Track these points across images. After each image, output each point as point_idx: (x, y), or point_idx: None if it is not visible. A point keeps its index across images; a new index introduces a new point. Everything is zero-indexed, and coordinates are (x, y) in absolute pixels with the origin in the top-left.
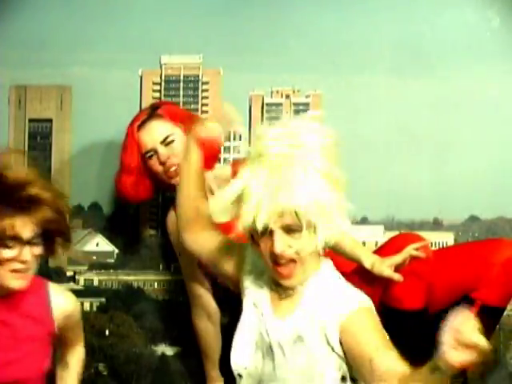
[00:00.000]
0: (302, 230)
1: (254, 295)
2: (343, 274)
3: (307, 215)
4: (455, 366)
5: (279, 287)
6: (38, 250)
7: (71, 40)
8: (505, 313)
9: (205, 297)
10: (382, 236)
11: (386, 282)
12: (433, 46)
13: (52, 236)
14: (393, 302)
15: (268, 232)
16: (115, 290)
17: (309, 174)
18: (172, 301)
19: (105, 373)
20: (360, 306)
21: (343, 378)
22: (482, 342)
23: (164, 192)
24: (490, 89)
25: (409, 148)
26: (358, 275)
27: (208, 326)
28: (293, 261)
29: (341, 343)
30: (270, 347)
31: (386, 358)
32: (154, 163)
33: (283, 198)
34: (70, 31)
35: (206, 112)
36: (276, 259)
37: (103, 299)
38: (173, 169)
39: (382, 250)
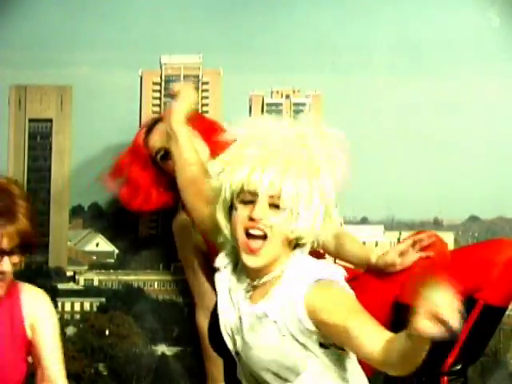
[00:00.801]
0: (284, 209)
1: (231, 282)
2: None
3: (294, 197)
4: (423, 334)
5: (251, 275)
6: (16, 258)
7: (71, 40)
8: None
9: (209, 297)
10: (381, 236)
11: (401, 280)
12: (433, 45)
13: (26, 246)
14: (406, 298)
15: (250, 202)
16: (115, 290)
17: (308, 165)
18: (172, 301)
19: (105, 373)
20: (321, 277)
21: (321, 345)
22: (456, 322)
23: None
24: (489, 89)
25: (409, 148)
26: (370, 277)
27: None
28: (263, 237)
29: (311, 320)
30: (242, 331)
31: (360, 325)
32: (167, 163)
33: (279, 170)
34: (70, 31)
35: (207, 112)
36: (250, 227)
37: (103, 299)
38: None
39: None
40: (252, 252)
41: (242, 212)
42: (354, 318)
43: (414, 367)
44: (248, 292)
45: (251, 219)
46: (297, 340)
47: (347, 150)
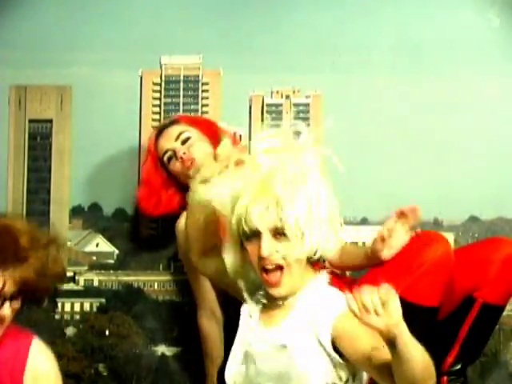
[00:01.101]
0: (289, 234)
1: (250, 307)
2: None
3: (296, 220)
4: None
5: (270, 299)
6: (17, 304)
7: (71, 40)
8: (505, 313)
9: (209, 298)
10: None
11: (407, 278)
12: (433, 46)
13: (29, 292)
14: (411, 296)
15: (255, 236)
16: (115, 290)
17: (303, 183)
18: (172, 301)
19: (105, 373)
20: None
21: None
22: (392, 319)
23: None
24: (489, 89)
25: (409, 148)
26: (376, 276)
27: (213, 328)
28: (280, 268)
29: (334, 346)
30: (253, 356)
31: (382, 355)
32: (174, 164)
33: (273, 200)
34: (70, 31)
35: (207, 112)
36: (263, 265)
37: (103, 300)
38: (189, 162)
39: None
40: (273, 285)
41: (252, 251)
42: (376, 351)
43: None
44: (265, 317)
45: (261, 258)
46: (311, 368)
47: (343, 148)
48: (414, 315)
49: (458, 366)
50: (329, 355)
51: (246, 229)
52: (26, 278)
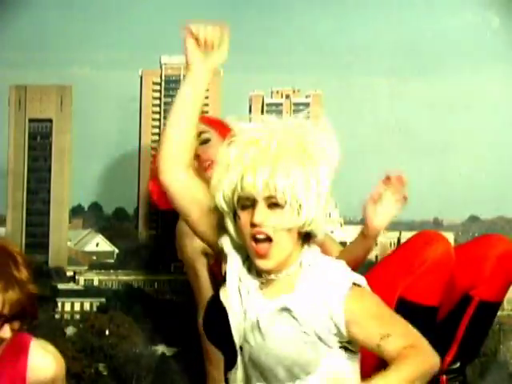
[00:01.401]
0: (284, 205)
1: (240, 270)
2: None
3: (291, 191)
4: None
5: (266, 273)
6: (16, 325)
7: (71, 40)
8: (505, 312)
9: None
10: (382, 236)
11: (408, 278)
12: (433, 46)
13: (26, 313)
14: (411, 295)
15: (249, 206)
16: (115, 290)
17: (300, 154)
18: (172, 301)
19: (105, 373)
20: (356, 281)
21: (341, 346)
22: None
23: None
24: (489, 89)
25: (409, 148)
26: (376, 276)
27: None
28: (269, 240)
29: (346, 324)
30: (258, 322)
31: (391, 346)
32: (206, 150)
33: (270, 168)
34: (70, 31)
35: (207, 112)
36: (254, 233)
37: (103, 299)
38: (208, 163)
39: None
40: (261, 256)
41: (244, 219)
42: (384, 341)
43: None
44: (261, 286)
45: (253, 225)
46: (319, 338)
47: (343, 148)
48: (413, 314)
49: (457, 365)
50: (338, 334)
51: (241, 194)
52: (22, 301)
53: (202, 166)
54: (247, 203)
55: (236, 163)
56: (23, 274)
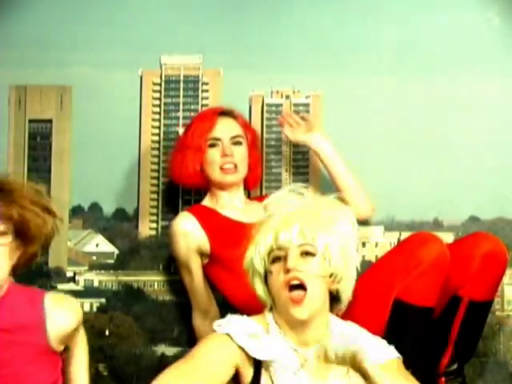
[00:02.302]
0: (316, 253)
1: (289, 364)
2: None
3: (325, 240)
4: None
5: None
6: (6, 239)
7: (71, 40)
8: (505, 313)
9: (204, 298)
10: (382, 236)
11: (403, 279)
12: (433, 46)
13: (24, 235)
14: (407, 297)
15: (283, 257)
16: (115, 290)
17: (336, 221)
18: (172, 301)
19: (105, 373)
20: (395, 355)
21: None
22: None
23: (164, 191)
24: (489, 89)
25: (409, 148)
26: (372, 277)
27: (207, 328)
28: (303, 287)
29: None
30: None
31: None
32: (215, 152)
33: (303, 222)
34: (70, 31)
35: None
36: (288, 279)
37: (103, 300)
38: (228, 166)
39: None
40: (296, 303)
41: (276, 270)
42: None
43: None
44: (303, 366)
45: (287, 271)
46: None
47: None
48: (410, 315)
49: (455, 366)
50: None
51: (274, 247)
52: (11, 216)
53: (222, 168)
54: (280, 254)
55: (270, 227)
56: (14, 194)
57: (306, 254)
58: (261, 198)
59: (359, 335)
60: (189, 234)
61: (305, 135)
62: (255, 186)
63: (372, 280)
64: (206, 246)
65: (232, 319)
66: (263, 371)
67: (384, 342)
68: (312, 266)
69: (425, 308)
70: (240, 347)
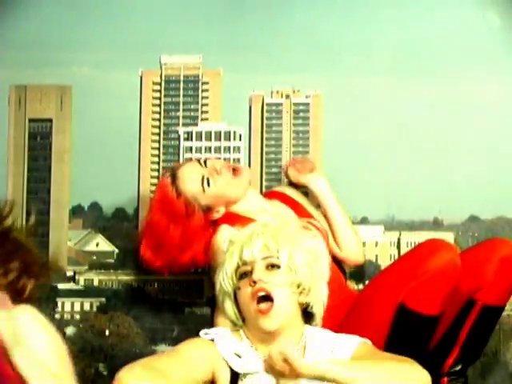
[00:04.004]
0: (281, 265)
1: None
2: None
3: (289, 252)
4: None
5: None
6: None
7: (71, 40)
8: (505, 313)
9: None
10: (381, 236)
11: (410, 285)
12: (433, 46)
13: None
14: (411, 303)
15: (249, 271)
16: (115, 290)
17: (304, 238)
18: (172, 301)
19: (105, 373)
20: (361, 340)
21: None
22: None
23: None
24: (489, 89)
25: (409, 148)
26: (380, 281)
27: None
28: (270, 299)
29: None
30: None
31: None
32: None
33: (268, 236)
34: (70, 31)
35: (207, 112)
36: (255, 291)
37: (103, 299)
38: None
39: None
40: (264, 314)
41: (244, 285)
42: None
43: None
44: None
45: (253, 283)
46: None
47: (343, 148)
48: (412, 323)
49: (459, 367)
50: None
51: (240, 264)
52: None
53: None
54: (247, 269)
55: (235, 247)
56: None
57: (272, 266)
58: (270, 194)
59: (328, 339)
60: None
61: (306, 176)
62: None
63: (380, 284)
64: None
65: (219, 331)
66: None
67: (349, 335)
68: (277, 277)
69: (428, 316)
70: (221, 355)
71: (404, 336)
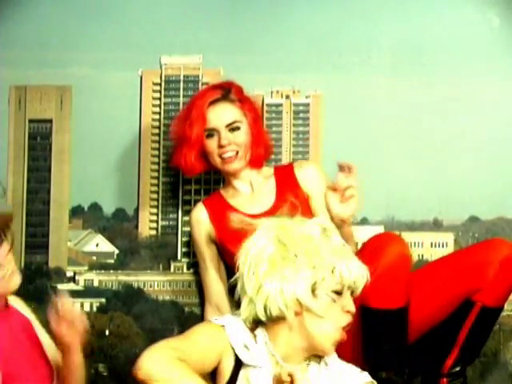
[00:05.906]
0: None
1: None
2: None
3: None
4: None
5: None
6: None
7: (71, 40)
8: (505, 313)
9: (217, 291)
10: None
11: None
12: (433, 46)
13: None
14: (374, 303)
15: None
16: (115, 290)
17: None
18: (172, 301)
19: (105, 373)
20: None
21: None
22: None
23: (166, 190)
24: (489, 89)
25: (409, 148)
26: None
27: None
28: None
29: None
30: None
31: None
32: (212, 143)
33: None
34: (70, 31)
35: None
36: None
37: (103, 300)
38: (228, 155)
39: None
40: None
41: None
42: None
43: None
44: None
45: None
46: None
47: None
48: (383, 320)
49: (458, 368)
50: None
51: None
52: None
53: (221, 158)
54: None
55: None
56: None
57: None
58: (284, 168)
59: (338, 365)
60: (200, 224)
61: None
62: (260, 164)
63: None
64: (213, 236)
65: (229, 317)
66: (241, 373)
67: (357, 368)
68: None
69: (390, 310)
70: (229, 343)
71: (374, 335)
